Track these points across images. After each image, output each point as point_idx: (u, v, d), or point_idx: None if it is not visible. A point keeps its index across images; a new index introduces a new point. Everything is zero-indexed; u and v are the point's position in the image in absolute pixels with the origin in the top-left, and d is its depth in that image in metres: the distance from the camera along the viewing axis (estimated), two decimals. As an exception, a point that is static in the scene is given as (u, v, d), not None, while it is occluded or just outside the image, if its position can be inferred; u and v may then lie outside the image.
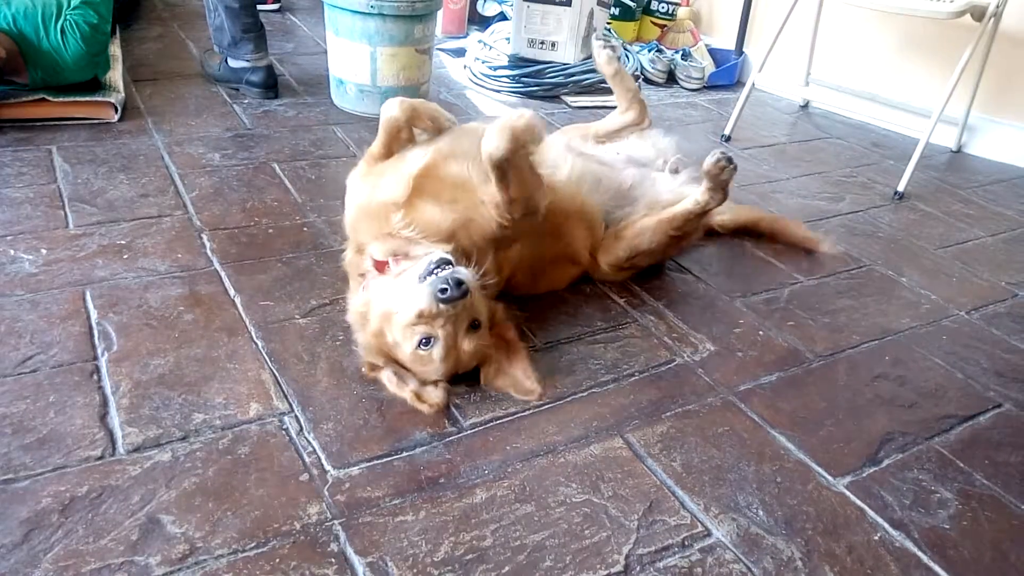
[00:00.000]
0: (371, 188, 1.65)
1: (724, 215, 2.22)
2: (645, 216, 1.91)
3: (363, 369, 1.52)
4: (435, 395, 1.47)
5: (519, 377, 1.53)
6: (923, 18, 2.90)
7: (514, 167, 1.54)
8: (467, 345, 1.46)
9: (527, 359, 1.56)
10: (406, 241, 1.54)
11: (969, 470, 1.48)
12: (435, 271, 1.41)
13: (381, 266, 1.54)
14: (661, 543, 1.26)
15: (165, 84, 3.00)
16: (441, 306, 1.38)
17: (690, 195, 1.87)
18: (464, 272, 1.43)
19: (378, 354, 1.50)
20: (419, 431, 1.43)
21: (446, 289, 1.36)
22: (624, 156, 2.05)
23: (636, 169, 2.02)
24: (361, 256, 1.60)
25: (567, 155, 1.93)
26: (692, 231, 1.98)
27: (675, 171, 2.05)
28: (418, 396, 1.46)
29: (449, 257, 1.45)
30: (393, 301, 1.45)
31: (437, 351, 1.43)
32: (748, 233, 2.28)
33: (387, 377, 1.49)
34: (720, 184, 1.81)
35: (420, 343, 1.43)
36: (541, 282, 1.87)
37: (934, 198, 2.76)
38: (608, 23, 3.72)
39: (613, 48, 2.07)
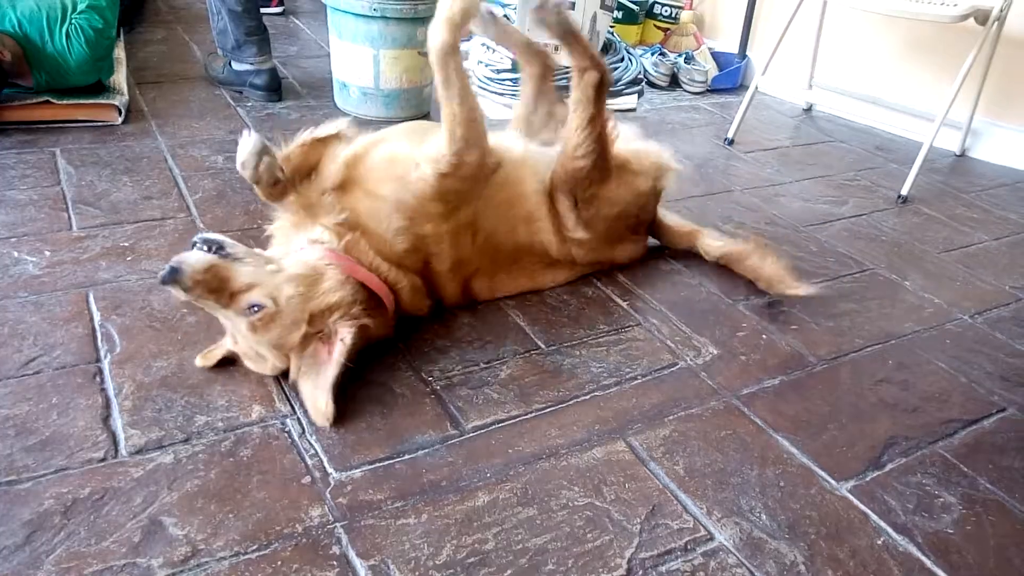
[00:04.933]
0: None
1: (717, 243, 2.09)
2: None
3: None
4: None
5: (322, 395, 1.42)
6: (927, 22, 2.89)
7: (456, 71, 1.59)
8: (243, 326, 1.43)
9: (333, 379, 1.43)
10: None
11: (973, 474, 1.48)
12: (194, 246, 1.45)
13: None
14: (664, 547, 1.25)
15: (169, 87, 3.01)
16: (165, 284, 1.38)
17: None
18: (194, 259, 1.40)
19: None
20: (421, 434, 1.43)
21: (173, 269, 1.37)
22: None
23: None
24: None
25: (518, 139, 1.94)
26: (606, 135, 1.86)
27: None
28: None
29: (215, 238, 1.47)
30: None
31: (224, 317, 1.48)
32: (730, 268, 2.09)
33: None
34: (559, 32, 1.80)
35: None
36: (509, 276, 1.85)
37: (938, 202, 2.75)
38: (611, 26, 3.72)
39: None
